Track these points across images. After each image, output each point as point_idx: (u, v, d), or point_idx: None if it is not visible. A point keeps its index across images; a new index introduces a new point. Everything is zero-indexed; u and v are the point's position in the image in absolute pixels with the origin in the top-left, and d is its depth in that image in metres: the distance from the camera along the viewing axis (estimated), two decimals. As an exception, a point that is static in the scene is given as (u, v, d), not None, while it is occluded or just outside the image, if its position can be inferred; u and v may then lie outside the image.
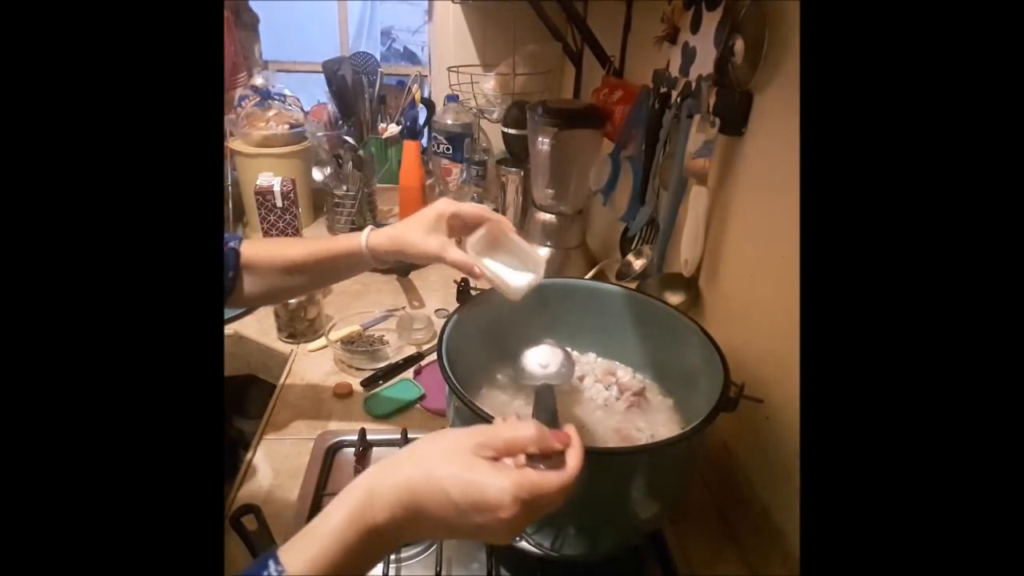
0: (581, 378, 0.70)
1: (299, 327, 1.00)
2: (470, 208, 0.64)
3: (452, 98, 1.48)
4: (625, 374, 0.72)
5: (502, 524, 0.36)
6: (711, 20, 0.76)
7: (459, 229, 0.64)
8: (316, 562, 0.35)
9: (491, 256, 0.63)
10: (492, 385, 0.70)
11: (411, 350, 0.99)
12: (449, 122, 1.48)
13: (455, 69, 1.43)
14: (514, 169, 1.35)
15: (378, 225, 0.69)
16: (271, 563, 0.35)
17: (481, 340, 0.67)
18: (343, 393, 0.89)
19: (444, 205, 0.64)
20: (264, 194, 1.06)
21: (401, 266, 1.24)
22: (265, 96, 1.39)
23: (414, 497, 0.37)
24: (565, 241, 1.10)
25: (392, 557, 0.64)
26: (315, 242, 0.71)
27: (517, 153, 1.35)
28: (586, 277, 1.04)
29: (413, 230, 0.64)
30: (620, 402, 0.67)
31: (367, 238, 0.66)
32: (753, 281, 0.69)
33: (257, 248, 0.70)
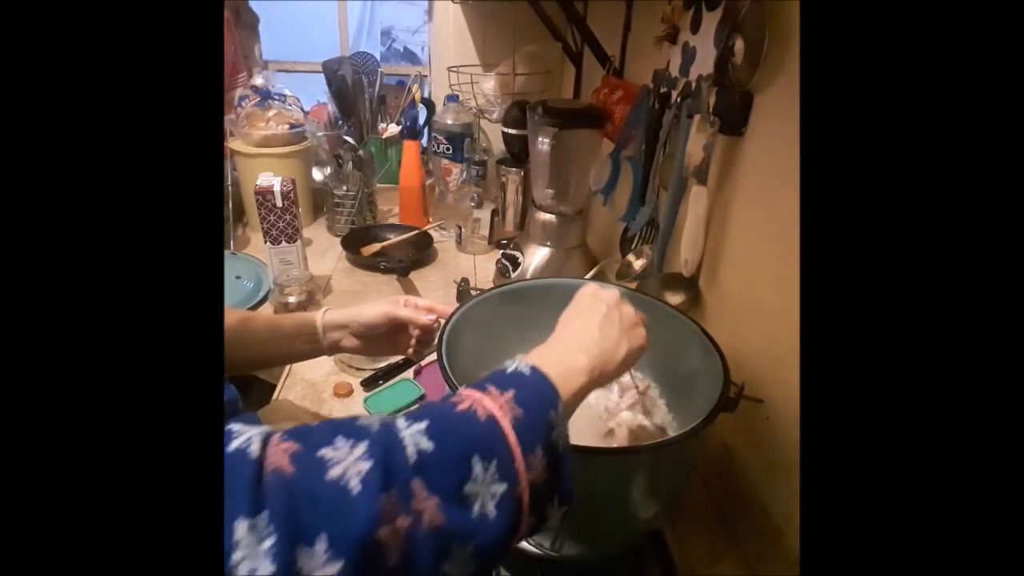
0: (581, 378, 0.70)
1: (299, 327, 1.00)
2: (408, 311, 0.70)
3: (452, 98, 1.48)
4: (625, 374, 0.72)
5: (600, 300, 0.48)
6: (711, 20, 0.76)
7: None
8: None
9: None
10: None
11: (411, 350, 0.99)
12: (449, 122, 1.48)
13: (455, 69, 1.43)
14: (514, 169, 1.35)
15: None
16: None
17: (481, 340, 0.67)
18: (343, 393, 0.89)
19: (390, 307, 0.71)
20: (264, 194, 1.06)
21: (401, 266, 1.24)
22: (265, 96, 1.38)
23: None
24: (565, 241, 1.10)
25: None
26: (268, 315, 0.75)
27: (517, 153, 1.35)
28: (586, 277, 1.04)
29: (365, 307, 0.71)
30: (620, 402, 0.67)
31: (323, 313, 0.71)
32: (753, 281, 0.69)
33: None
